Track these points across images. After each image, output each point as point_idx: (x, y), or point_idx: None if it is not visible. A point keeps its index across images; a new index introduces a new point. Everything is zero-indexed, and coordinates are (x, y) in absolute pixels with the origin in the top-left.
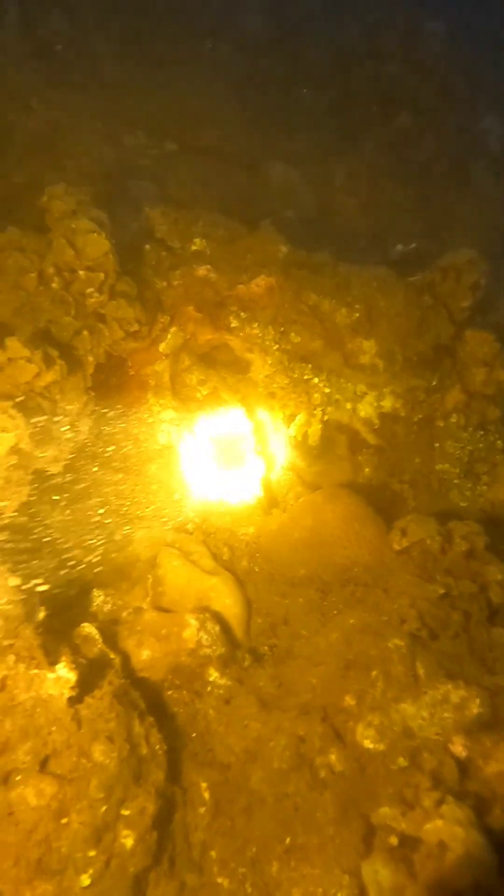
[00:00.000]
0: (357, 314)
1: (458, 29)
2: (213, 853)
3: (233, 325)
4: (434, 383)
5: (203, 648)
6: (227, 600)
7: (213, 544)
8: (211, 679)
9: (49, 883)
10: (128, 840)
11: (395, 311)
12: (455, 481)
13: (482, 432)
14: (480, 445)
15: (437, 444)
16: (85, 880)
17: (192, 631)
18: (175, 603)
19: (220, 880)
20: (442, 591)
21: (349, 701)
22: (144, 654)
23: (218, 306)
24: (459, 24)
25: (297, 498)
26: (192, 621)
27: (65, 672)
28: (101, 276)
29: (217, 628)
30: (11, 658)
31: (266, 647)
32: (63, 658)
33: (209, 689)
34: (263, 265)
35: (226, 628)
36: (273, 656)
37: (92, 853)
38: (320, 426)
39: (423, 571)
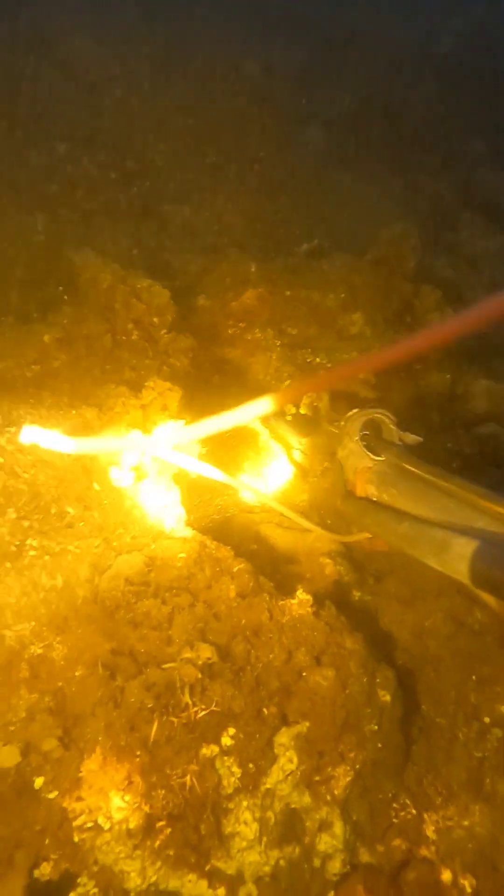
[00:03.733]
0: (343, 294)
1: None
2: (424, 707)
3: (231, 334)
4: (407, 334)
5: (343, 577)
6: (330, 545)
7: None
8: (357, 598)
9: (353, 734)
10: (386, 697)
11: (367, 284)
12: (445, 405)
13: (454, 362)
14: (456, 371)
15: (422, 382)
16: (374, 727)
17: (332, 567)
18: (293, 557)
19: (438, 720)
20: None
21: None
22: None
23: (213, 326)
24: None
25: (322, 463)
26: (327, 560)
27: (302, 595)
28: (169, 317)
29: (345, 560)
30: (266, 595)
31: (375, 568)
32: (298, 587)
33: (360, 605)
34: (242, 282)
35: (347, 558)
36: (384, 572)
37: (368, 710)
38: (328, 397)
39: None
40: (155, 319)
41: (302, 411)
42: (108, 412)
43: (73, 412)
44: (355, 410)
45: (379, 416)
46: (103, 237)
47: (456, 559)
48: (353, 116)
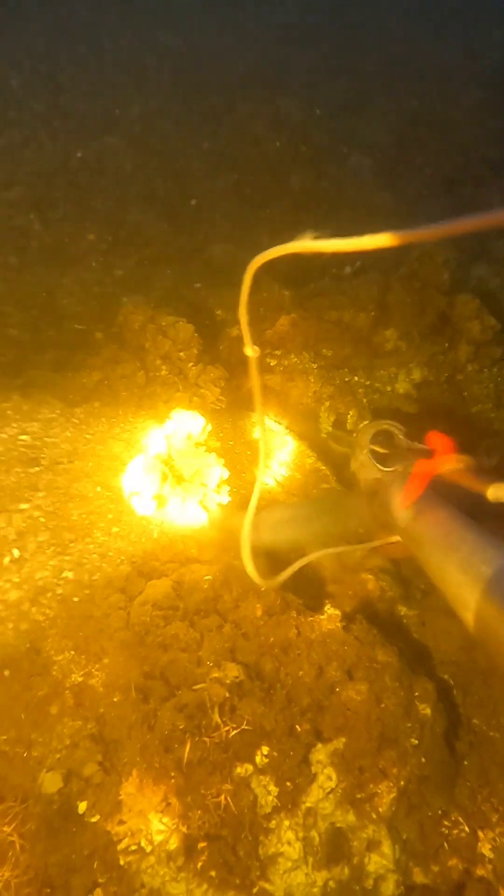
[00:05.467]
0: (373, 313)
1: None
2: (475, 721)
3: (272, 363)
4: (446, 345)
5: (387, 592)
6: (377, 560)
7: None
8: (402, 613)
9: (393, 749)
10: (426, 710)
11: (399, 301)
12: (492, 415)
13: (496, 369)
14: (499, 379)
15: (465, 393)
16: (414, 741)
17: (374, 582)
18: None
19: (491, 734)
20: None
21: None
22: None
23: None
24: None
25: None
26: (369, 576)
27: (331, 611)
28: (195, 351)
29: (388, 576)
30: (294, 613)
31: (424, 582)
32: (326, 602)
33: (405, 620)
34: (276, 310)
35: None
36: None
37: (408, 724)
38: (368, 413)
39: None
40: (182, 354)
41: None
42: (133, 445)
43: (101, 448)
44: (365, 423)
45: (387, 426)
46: (150, 283)
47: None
48: (398, 139)
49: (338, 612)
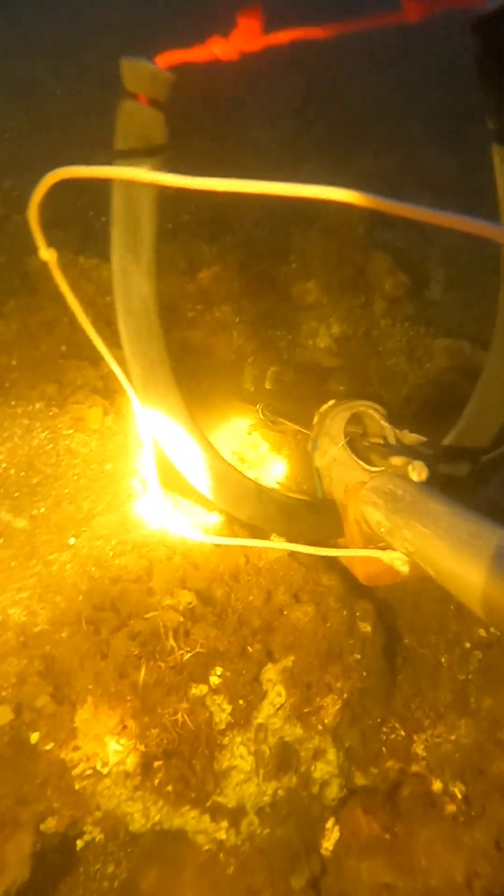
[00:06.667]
0: (294, 264)
1: None
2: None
3: (192, 317)
4: (363, 299)
5: None
6: None
7: None
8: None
9: (338, 664)
10: (366, 628)
11: (319, 252)
12: (405, 368)
13: (408, 324)
14: (412, 333)
15: (380, 348)
16: (357, 656)
17: None
18: None
19: (421, 650)
20: None
21: None
22: None
23: (173, 310)
24: None
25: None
26: None
27: (276, 539)
28: None
29: None
30: None
31: None
32: (272, 533)
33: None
34: (196, 265)
35: None
36: None
37: (350, 641)
38: (293, 370)
39: None
40: (107, 298)
41: None
42: (68, 386)
43: (35, 392)
44: (331, 403)
45: (363, 408)
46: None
47: None
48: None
49: (282, 540)
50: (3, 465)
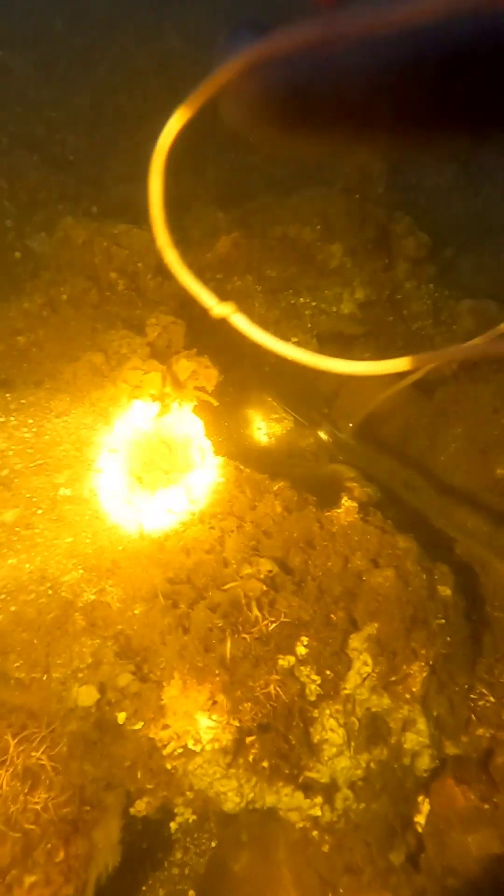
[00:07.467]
0: (318, 226)
1: None
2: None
3: (212, 287)
4: (386, 261)
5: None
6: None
7: None
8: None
9: (423, 630)
10: (446, 591)
11: (342, 213)
12: (432, 332)
13: (432, 286)
14: (436, 295)
15: (405, 312)
16: (441, 620)
17: (359, 489)
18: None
19: (496, 614)
20: None
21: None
22: None
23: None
24: None
25: None
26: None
27: (348, 503)
28: (153, 261)
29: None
30: (312, 508)
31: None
32: (343, 495)
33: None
34: (212, 234)
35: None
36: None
37: (433, 605)
38: (316, 340)
39: None
40: (140, 264)
41: None
42: (114, 355)
43: (79, 362)
44: None
45: None
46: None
47: None
48: None
49: (354, 504)
50: (52, 438)
